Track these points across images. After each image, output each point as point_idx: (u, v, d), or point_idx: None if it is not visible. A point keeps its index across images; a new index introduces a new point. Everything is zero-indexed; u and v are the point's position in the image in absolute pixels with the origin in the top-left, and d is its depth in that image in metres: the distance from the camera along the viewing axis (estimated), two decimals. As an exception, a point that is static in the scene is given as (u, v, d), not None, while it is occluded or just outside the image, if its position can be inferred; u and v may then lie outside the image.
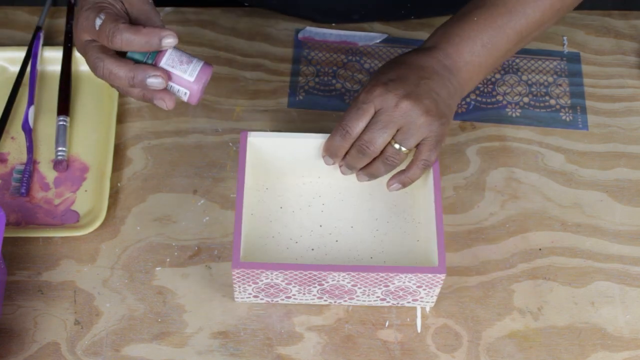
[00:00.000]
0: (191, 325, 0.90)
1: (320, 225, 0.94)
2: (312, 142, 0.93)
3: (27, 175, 0.97)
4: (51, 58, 1.05)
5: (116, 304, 0.91)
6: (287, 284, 0.87)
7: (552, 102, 1.06)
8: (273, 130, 1.02)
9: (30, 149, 0.99)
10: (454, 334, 0.90)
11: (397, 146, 0.88)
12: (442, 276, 0.86)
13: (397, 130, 0.87)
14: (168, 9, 1.11)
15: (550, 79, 1.08)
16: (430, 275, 0.85)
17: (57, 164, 0.98)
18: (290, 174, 0.96)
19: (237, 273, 0.85)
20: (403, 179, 0.91)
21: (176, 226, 0.96)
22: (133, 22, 0.83)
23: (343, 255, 0.92)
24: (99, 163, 0.98)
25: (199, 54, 1.08)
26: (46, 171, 0.99)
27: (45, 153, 1.00)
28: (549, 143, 1.03)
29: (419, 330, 0.90)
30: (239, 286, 0.88)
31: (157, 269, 0.93)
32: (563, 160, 1.01)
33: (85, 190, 0.97)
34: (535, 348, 0.90)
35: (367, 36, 1.09)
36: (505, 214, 0.97)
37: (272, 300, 0.90)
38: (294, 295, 0.89)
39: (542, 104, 1.06)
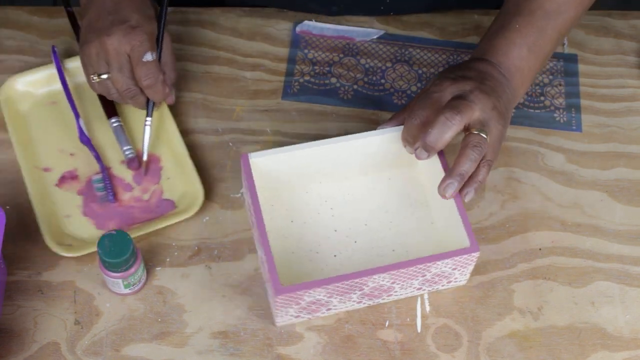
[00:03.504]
0: (191, 325, 0.90)
1: (335, 230, 0.94)
2: (309, 152, 0.91)
3: (107, 182, 0.96)
4: (75, 69, 1.03)
5: (116, 304, 0.91)
6: (329, 297, 0.86)
7: (547, 102, 1.06)
8: (273, 131, 1.02)
9: (98, 157, 0.97)
10: (454, 334, 0.90)
11: (478, 133, 0.86)
12: (476, 254, 0.86)
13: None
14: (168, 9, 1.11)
15: (547, 80, 1.07)
16: (465, 256, 0.85)
17: (131, 162, 0.97)
18: (292, 186, 0.95)
19: (281, 299, 0.84)
20: (475, 186, 0.88)
21: (176, 226, 0.96)
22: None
23: (366, 255, 0.92)
24: (168, 150, 0.99)
25: (198, 54, 1.08)
26: (121, 173, 0.98)
27: (112, 157, 0.99)
28: (548, 143, 1.03)
29: (419, 330, 0.90)
30: (281, 310, 0.86)
31: (157, 268, 0.93)
32: (563, 160, 1.01)
33: (168, 178, 0.97)
34: (535, 348, 0.90)
35: (365, 32, 1.10)
36: (505, 214, 0.97)
37: (313, 316, 0.89)
38: (335, 306, 0.88)
39: (537, 105, 1.06)
